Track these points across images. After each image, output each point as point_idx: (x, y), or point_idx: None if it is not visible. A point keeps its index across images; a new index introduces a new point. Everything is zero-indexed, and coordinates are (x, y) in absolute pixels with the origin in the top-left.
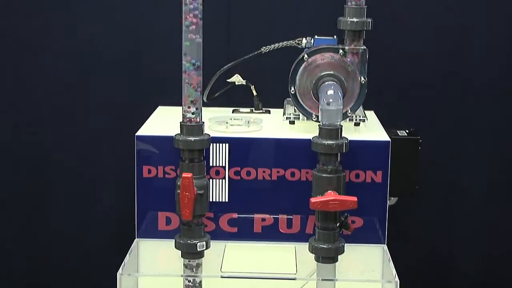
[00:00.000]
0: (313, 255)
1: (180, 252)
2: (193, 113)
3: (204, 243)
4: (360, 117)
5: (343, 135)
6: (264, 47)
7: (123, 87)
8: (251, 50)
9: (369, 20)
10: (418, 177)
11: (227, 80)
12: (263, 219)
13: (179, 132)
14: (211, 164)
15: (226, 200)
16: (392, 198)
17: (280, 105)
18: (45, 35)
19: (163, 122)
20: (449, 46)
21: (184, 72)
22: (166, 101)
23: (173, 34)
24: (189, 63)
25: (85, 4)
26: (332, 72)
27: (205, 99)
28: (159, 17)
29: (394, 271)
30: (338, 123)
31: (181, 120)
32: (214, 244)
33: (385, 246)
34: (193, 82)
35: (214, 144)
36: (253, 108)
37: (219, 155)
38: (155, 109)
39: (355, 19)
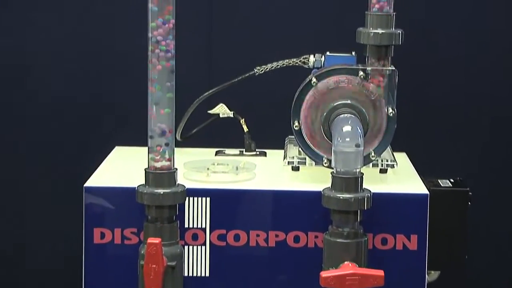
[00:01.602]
0: None
1: None
2: (162, 157)
3: None
4: (387, 161)
5: (364, 186)
6: (258, 67)
7: (68, 122)
8: (240, 71)
9: (399, 31)
10: (467, 242)
11: (209, 112)
12: None
13: (143, 182)
14: (186, 226)
15: (207, 274)
16: (433, 272)
17: (280, 146)
18: None
19: (121, 168)
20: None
21: (150, 102)
22: (126, 140)
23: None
24: (159, 90)
25: (32, 34)
26: (349, 102)
27: (178, 138)
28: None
29: None
30: (358, 170)
31: (146, 166)
32: None
33: None
34: (162, 114)
35: (191, 199)
36: (243, 149)
37: (198, 214)
38: (110, 150)
39: (380, 30)
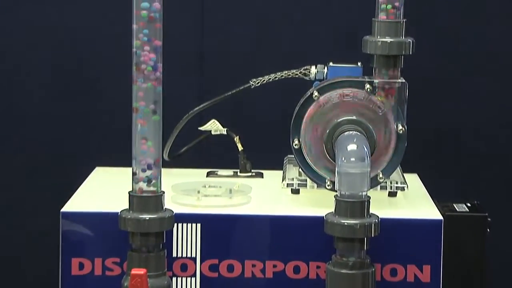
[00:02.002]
0: None
1: None
2: (148, 178)
3: None
4: (397, 183)
5: (371, 211)
6: (254, 80)
7: (44, 141)
8: (234, 84)
9: (410, 40)
10: (486, 274)
11: (200, 129)
12: None
13: (126, 206)
14: (175, 255)
15: None
16: None
17: (279, 166)
18: None
19: (102, 191)
20: None
21: (134, 120)
22: (107, 160)
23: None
24: (144, 108)
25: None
26: (354, 118)
27: (166, 157)
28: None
29: None
30: (364, 193)
31: (130, 189)
32: None
33: None
34: (148, 129)
35: (180, 225)
36: (238, 170)
37: (188, 242)
38: (90, 171)
39: (388, 39)
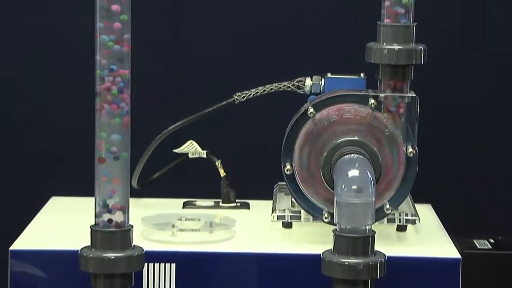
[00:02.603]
0: None
1: None
2: (113, 209)
3: None
4: (407, 215)
5: (376, 248)
6: (239, 94)
7: None
8: (214, 98)
9: (421, 47)
10: None
11: (175, 151)
12: None
13: (88, 243)
14: None
15: None
16: None
17: (268, 195)
18: None
19: (58, 224)
20: None
21: (97, 138)
22: (64, 189)
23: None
24: (104, 133)
25: None
26: (356, 138)
27: (135, 185)
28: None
29: None
30: (368, 227)
31: (92, 223)
32: None
33: None
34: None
35: (152, 265)
36: (220, 200)
37: (161, 284)
38: (45, 202)
39: (396, 46)
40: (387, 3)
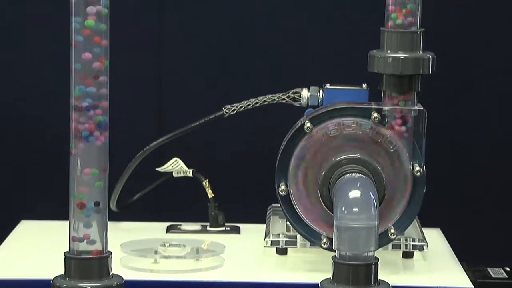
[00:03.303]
0: None
1: None
2: (89, 234)
3: None
4: (414, 241)
5: (380, 276)
6: (228, 107)
7: None
8: (202, 112)
9: (429, 55)
10: None
11: (158, 170)
12: None
13: (61, 272)
14: None
15: None
16: None
17: (260, 218)
18: None
19: (29, 251)
20: None
21: (72, 152)
22: (36, 213)
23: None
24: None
25: None
26: (358, 156)
27: (114, 207)
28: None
29: None
30: (371, 254)
31: (66, 250)
32: None
33: None
34: (87, 174)
35: None
36: (207, 224)
37: None
38: (14, 226)
39: (401, 54)
40: (391, 6)
